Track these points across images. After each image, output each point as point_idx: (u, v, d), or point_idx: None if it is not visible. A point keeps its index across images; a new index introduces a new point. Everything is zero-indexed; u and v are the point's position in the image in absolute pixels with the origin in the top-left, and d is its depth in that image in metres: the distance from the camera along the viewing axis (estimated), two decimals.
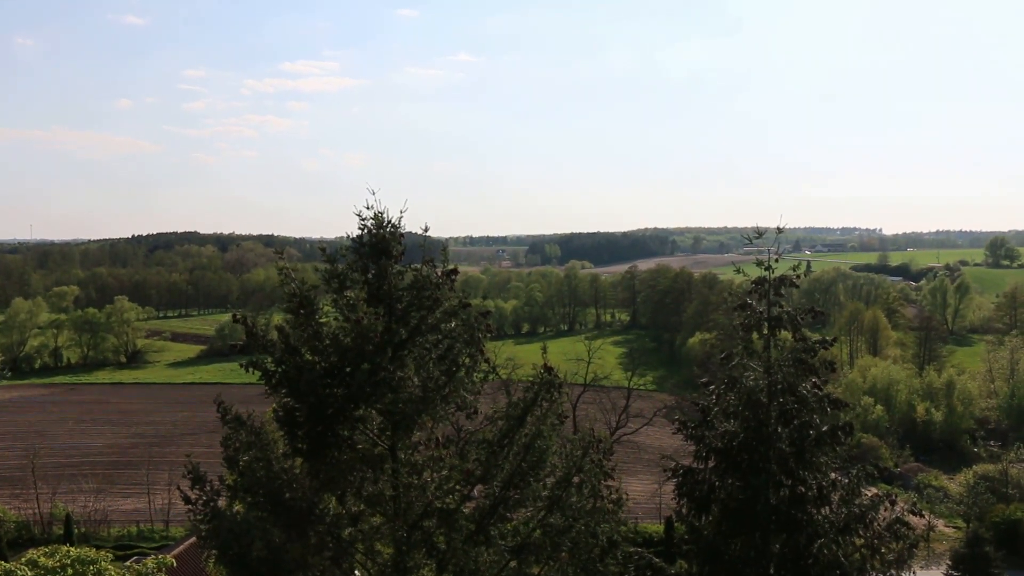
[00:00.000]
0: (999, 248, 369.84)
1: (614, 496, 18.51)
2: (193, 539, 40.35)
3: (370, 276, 16.19)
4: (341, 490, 16.45)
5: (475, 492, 16.50)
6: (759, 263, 21.98)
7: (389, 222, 16.19)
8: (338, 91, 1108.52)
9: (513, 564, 16.43)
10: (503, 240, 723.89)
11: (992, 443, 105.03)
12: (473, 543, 15.76)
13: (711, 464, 21.58)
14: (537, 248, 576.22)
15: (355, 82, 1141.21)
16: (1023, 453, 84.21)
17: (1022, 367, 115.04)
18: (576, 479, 17.16)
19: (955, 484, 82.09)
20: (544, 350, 17.11)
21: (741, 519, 20.79)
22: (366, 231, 16.21)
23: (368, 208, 16.10)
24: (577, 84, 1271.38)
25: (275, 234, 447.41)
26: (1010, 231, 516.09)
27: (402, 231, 16.43)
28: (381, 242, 16.10)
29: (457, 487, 15.87)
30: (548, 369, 16.60)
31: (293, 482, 16.17)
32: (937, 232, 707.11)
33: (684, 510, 21.80)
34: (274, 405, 16.26)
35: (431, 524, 15.62)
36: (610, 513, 17.95)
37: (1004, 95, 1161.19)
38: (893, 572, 21.80)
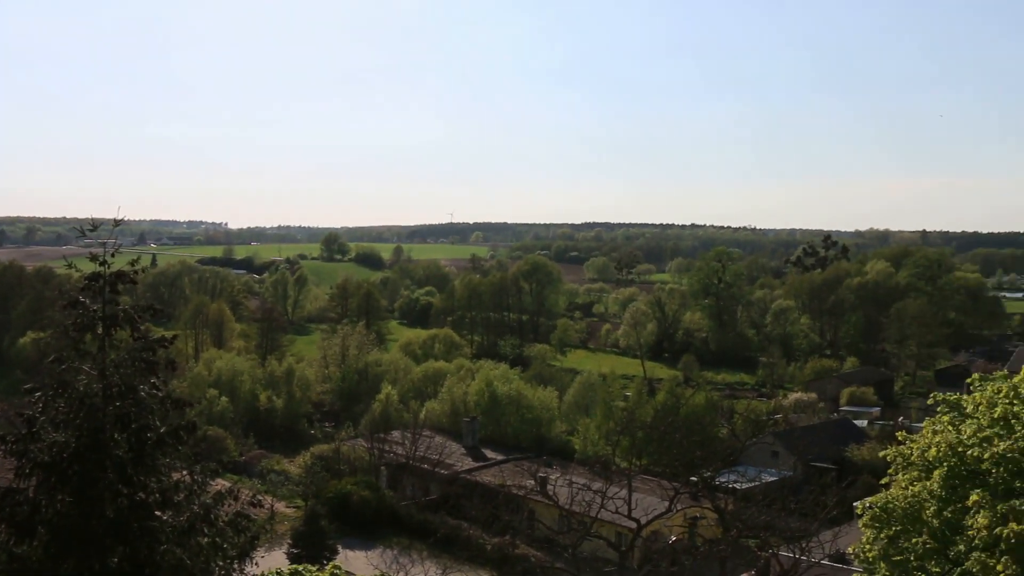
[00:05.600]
0: (333, 243, 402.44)
1: None
2: None
3: None
4: None
5: None
6: (94, 257, 20.60)
7: None
8: None
9: None
10: None
11: (327, 424, 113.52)
12: None
13: (37, 481, 19.50)
14: None
15: None
16: (352, 432, 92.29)
17: (351, 353, 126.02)
18: None
19: (295, 466, 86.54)
20: None
21: (74, 537, 19.11)
22: None
23: None
24: None
25: None
26: (341, 228, 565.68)
27: None
28: None
29: None
30: None
31: None
32: (279, 227, 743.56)
33: (4, 537, 19.33)
34: None
35: None
36: None
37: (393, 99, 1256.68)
38: (236, 565, 21.98)
